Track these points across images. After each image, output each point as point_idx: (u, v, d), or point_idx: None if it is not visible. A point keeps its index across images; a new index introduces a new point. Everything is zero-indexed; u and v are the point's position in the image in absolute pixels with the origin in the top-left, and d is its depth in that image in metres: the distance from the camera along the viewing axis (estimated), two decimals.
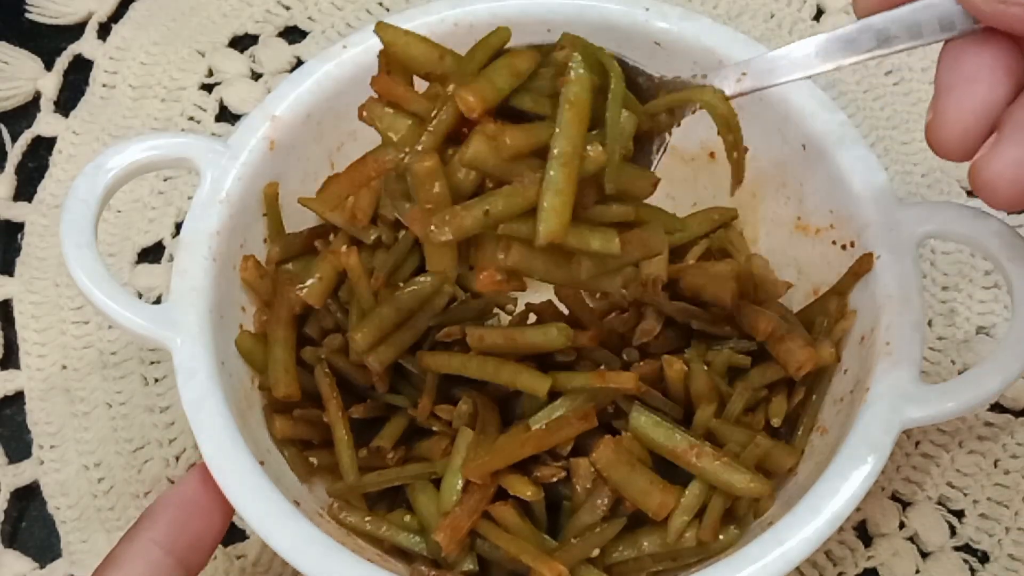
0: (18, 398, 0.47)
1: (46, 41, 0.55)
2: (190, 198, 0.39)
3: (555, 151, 0.30)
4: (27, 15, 0.55)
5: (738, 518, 0.37)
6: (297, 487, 0.39)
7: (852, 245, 0.39)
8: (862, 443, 0.35)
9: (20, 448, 0.46)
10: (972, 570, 0.43)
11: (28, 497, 0.45)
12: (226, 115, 0.53)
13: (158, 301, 0.49)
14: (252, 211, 0.39)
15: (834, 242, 0.40)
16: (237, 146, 0.39)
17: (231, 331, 0.38)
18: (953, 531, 0.43)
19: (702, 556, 0.36)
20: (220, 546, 0.44)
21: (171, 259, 0.49)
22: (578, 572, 0.36)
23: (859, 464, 0.34)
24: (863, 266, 0.38)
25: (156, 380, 0.47)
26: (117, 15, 0.55)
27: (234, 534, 0.44)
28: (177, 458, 0.46)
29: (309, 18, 0.55)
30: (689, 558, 0.37)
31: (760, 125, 0.41)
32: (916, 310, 0.36)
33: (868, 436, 0.35)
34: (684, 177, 0.45)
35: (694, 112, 0.34)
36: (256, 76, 0.54)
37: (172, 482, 0.45)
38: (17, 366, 0.48)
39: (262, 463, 0.36)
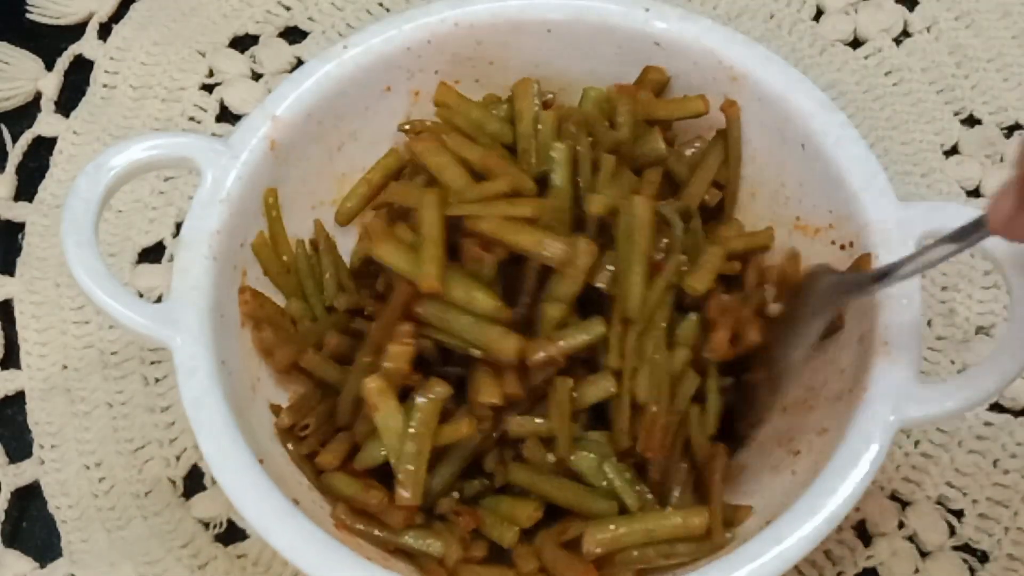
0: (19, 398, 0.47)
1: (47, 41, 0.55)
2: (191, 198, 0.39)
3: None
4: (28, 15, 0.55)
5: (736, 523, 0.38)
6: (297, 485, 0.39)
7: (851, 245, 0.39)
8: (860, 442, 0.35)
9: (21, 448, 0.46)
10: (971, 570, 0.43)
11: (29, 497, 0.46)
12: (227, 115, 0.53)
13: (159, 301, 0.49)
14: (252, 210, 0.40)
15: (833, 242, 0.40)
16: (237, 146, 0.39)
17: (231, 330, 0.39)
18: (952, 531, 0.44)
19: (696, 555, 0.37)
20: (220, 545, 0.44)
21: (172, 259, 0.49)
22: None
23: (857, 463, 0.34)
24: (861, 266, 0.38)
25: (157, 380, 0.47)
26: (118, 15, 0.55)
27: (235, 533, 0.44)
28: (178, 458, 0.46)
29: (309, 18, 0.56)
30: (683, 556, 0.37)
31: (760, 125, 0.42)
32: (915, 309, 0.36)
33: (866, 435, 0.35)
34: None
35: None
36: (256, 76, 0.54)
37: (173, 482, 0.46)
38: (18, 366, 0.48)
39: (261, 461, 0.36)
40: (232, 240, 0.38)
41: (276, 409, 0.40)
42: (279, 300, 0.42)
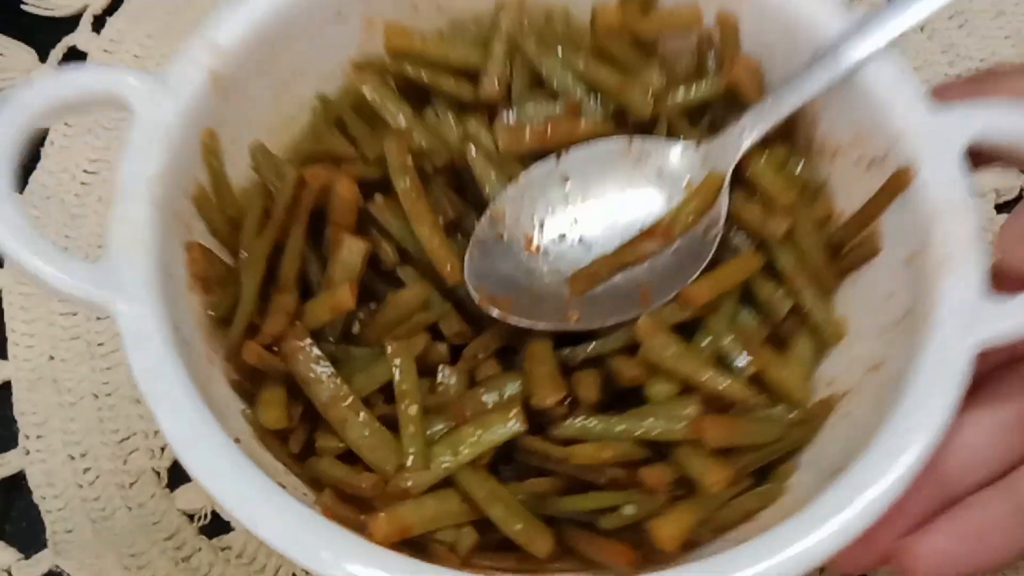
0: (5, 388, 0.40)
1: (41, 33, 0.48)
2: None
3: None
4: (22, 7, 0.48)
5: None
6: (272, 471, 0.29)
7: (882, 160, 0.30)
8: (934, 372, 0.26)
9: (6, 438, 0.39)
10: None
11: (14, 487, 0.39)
12: None
13: None
14: (194, 154, 0.31)
15: (858, 160, 0.31)
16: (174, 79, 0.30)
17: (180, 293, 0.30)
18: None
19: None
20: (204, 537, 0.37)
21: None
22: None
23: (937, 394, 0.25)
24: (900, 181, 0.29)
25: None
26: (111, 8, 0.48)
27: (219, 526, 0.37)
28: (163, 449, 0.39)
29: None
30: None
31: (762, 40, 0.33)
32: (972, 219, 0.27)
33: (940, 363, 0.26)
34: None
35: None
36: None
37: (157, 473, 0.39)
38: (4, 356, 0.41)
39: (237, 441, 0.29)
40: (174, 186, 0.29)
41: (237, 384, 0.31)
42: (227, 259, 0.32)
